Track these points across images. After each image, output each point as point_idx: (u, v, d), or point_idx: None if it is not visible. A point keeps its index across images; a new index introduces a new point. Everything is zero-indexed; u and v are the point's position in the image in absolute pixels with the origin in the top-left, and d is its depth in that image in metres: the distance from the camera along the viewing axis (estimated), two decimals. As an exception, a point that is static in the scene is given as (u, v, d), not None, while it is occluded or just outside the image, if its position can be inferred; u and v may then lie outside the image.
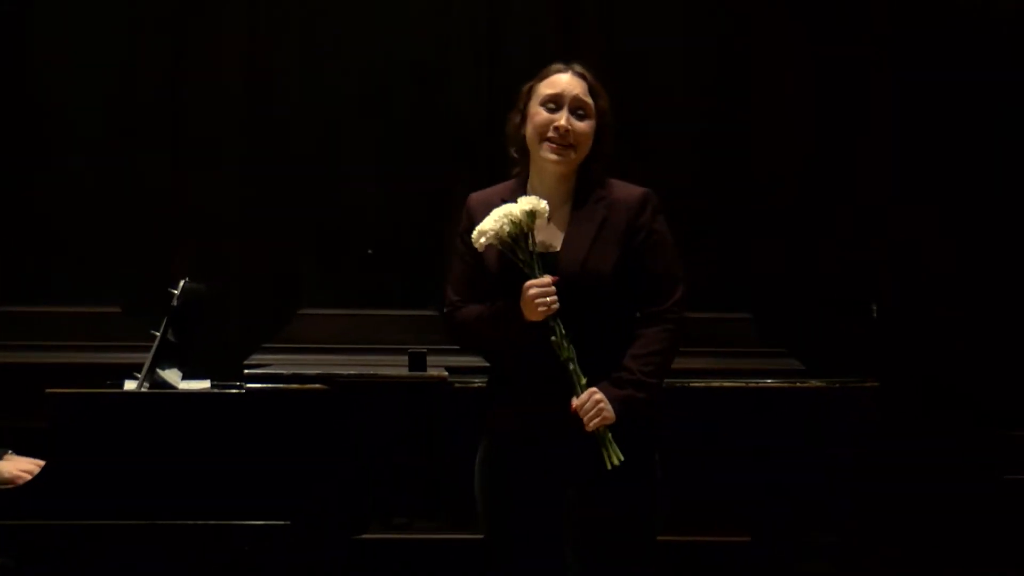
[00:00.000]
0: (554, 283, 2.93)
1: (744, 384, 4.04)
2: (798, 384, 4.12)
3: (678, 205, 3.25)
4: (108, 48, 4.57)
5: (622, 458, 2.89)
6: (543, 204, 2.97)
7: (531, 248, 2.97)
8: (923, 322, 4.64)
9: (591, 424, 2.91)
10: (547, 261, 3.00)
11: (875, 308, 4.60)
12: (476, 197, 3.12)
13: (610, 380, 2.95)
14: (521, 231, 2.96)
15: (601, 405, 2.91)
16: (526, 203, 2.97)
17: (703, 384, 3.98)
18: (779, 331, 4.62)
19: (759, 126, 4.66)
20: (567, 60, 3.09)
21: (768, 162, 4.67)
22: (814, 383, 4.10)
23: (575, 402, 2.92)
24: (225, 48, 4.60)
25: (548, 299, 2.92)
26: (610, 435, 2.91)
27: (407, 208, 4.63)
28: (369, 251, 4.62)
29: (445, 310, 3.14)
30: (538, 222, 3.03)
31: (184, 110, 4.58)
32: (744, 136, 4.66)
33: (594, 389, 2.92)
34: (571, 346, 2.93)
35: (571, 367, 2.93)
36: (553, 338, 2.93)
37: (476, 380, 3.95)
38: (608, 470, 2.91)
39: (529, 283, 2.94)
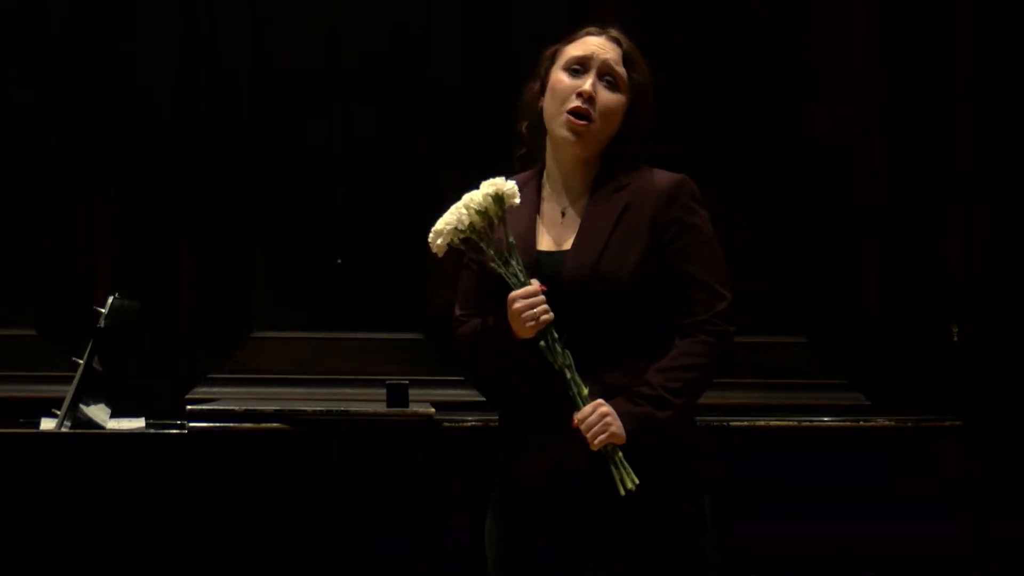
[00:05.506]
0: (543, 291, 2.96)
1: (796, 423, 4.06)
2: (862, 423, 4.15)
3: (711, 203, 3.26)
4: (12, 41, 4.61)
5: (637, 481, 2.92)
6: (510, 184, 2.99)
7: (505, 244, 2.98)
8: (1016, 347, 4.66)
9: (596, 442, 2.94)
10: (555, 262, 3.04)
11: (956, 330, 4.62)
12: None
13: (626, 395, 2.99)
14: (489, 225, 2.98)
15: (608, 419, 2.94)
16: (488, 186, 2.99)
17: (746, 423, 4.01)
18: (839, 358, 4.64)
19: (818, 98, 4.69)
20: (601, 24, 3.14)
21: (827, 146, 4.70)
22: (881, 421, 4.12)
23: (576, 416, 2.95)
24: (154, 14, 4.62)
25: (536, 311, 2.95)
26: (620, 454, 2.95)
27: (383, 207, 4.64)
28: (338, 261, 4.63)
29: (451, 326, 3.20)
30: (549, 216, 3.05)
31: (106, 91, 4.59)
32: (798, 111, 4.68)
33: (600, 401, 2.96)
34: (566, 351, 2.96)
35: (568, 375, 2.96)
36: (542, 343, 2.96)
37: (470, 418, 3.99)
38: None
39: (513, 295, 2.97)
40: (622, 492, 2.92)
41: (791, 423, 4.06)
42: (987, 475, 4.45)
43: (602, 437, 2.94)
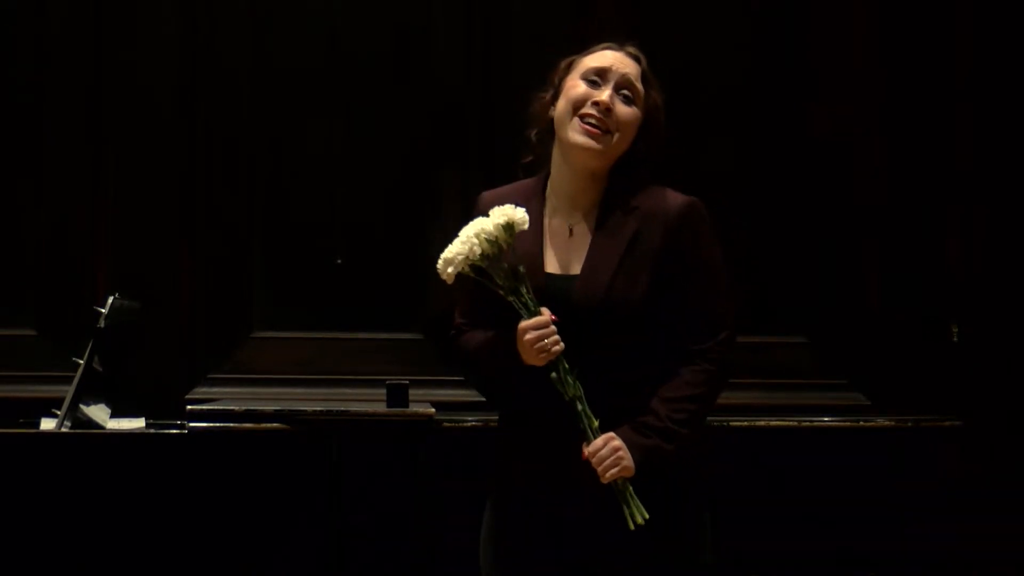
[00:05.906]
0: (554, 321, 2.95)
1: (796, 423, 4.06)
2: (862, 423, 4.15)
3: (711, 203, 3.26)
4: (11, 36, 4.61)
5: (647, 516, 2.93)
6: (520, 212, 2.98)
7: (515, 273, 2.98)
8: (1016, 347, 4.66)
9: (607, 475, 2.95)
10: (563, 287, 3.03)
11: (956, 330, 4.63)
12: (490, 197, 3.14)
13: (632, 425, 2.99)
14: (499, 252, 2.97)
15: (620, 453, 2.95)
16: (499, 214, 2.97)
17: (746, 423, 4.01)
18: (839, 358, 4.64)
19: (818, 104, 4.69)
20: (620, 41, 3.16)
21: (827, 146, 4.70)
22: (882, 421, 4.13)
23: (587, 449, 2.96)
24: (154, 14, 4.62)
25: (547, 342, 2.95)
26: (631, 488, 2.95)
27: (383, 207, 4.64)
28: (338, 260, 4.64)
29: (451, 333, 3.19)
30: (556, 234, 3.04)
31: (106, 91, 4.59)
32: (798, 111, 4.68)
33: (611, 435, 2.97)
34: (577, 383, 2.96)
35: (579, 407, 2.96)
36: (553, 375, 2.96)
37: (470, 418, 3.99)
38: (640, 537, 2.95)
39: (524, 326, 2.96)
40: (632, 527, 2.93)
41: (791, 423, 4.06)
42: (987, 475, 4.45)
43: (614, 471, 2.94)
